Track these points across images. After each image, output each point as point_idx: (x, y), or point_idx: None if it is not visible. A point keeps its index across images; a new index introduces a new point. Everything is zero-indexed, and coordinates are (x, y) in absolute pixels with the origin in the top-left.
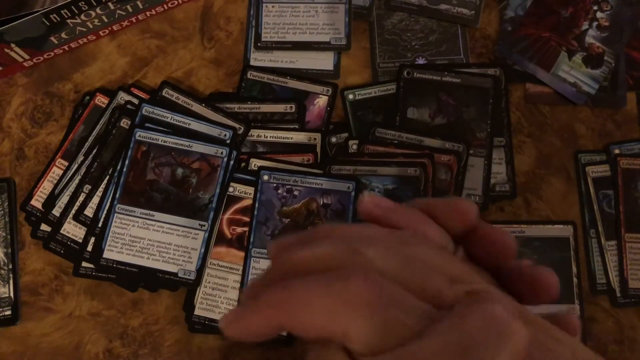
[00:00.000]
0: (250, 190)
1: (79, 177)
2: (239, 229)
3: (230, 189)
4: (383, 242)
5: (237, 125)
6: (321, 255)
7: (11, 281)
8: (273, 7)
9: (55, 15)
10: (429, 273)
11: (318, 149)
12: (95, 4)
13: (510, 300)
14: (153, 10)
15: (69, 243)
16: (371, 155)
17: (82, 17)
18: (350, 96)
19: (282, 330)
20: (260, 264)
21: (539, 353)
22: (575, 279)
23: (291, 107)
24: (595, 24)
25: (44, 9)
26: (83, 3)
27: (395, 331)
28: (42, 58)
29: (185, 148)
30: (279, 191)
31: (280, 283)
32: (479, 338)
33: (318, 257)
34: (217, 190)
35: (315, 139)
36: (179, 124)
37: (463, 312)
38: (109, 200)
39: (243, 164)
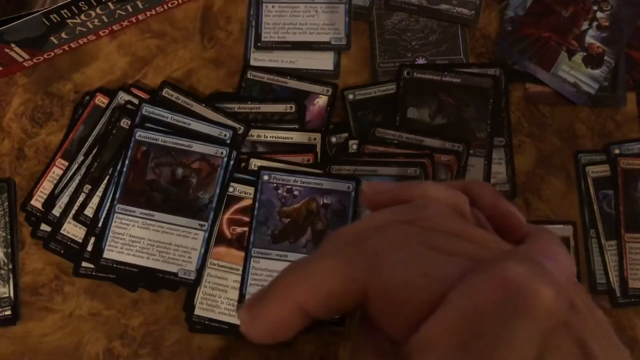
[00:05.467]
0: (250, 190)
1: (79, 177)
2: (239, 229)
3: (230, 189)
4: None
5: (237, 125)
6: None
7: (11, 281)
8: (273, 7)
9: (55, 15)
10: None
11: (318, 149)
12: (95, 4)
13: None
14: (153, 10)
15: (69, 243)
16: (371, 155)
17: (82, 17)
18: (350, 96)
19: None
20: (260, 264)
21: (575, 320)
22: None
23: (291, 107)
24: (595, 24)
25: (44, 9)
26: (83, 3)
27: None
28: (42, 58)
29: (185, 148)
30: (279, 191)
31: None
32: (489, 308)
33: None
34: (217, 190)
35: (315, 139)
36: (179, 124)
37: (472, 280)
38: (109, 200)
39: (243, 164)
